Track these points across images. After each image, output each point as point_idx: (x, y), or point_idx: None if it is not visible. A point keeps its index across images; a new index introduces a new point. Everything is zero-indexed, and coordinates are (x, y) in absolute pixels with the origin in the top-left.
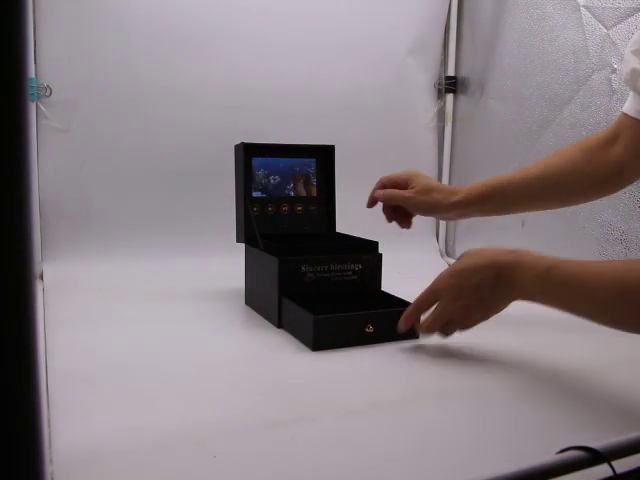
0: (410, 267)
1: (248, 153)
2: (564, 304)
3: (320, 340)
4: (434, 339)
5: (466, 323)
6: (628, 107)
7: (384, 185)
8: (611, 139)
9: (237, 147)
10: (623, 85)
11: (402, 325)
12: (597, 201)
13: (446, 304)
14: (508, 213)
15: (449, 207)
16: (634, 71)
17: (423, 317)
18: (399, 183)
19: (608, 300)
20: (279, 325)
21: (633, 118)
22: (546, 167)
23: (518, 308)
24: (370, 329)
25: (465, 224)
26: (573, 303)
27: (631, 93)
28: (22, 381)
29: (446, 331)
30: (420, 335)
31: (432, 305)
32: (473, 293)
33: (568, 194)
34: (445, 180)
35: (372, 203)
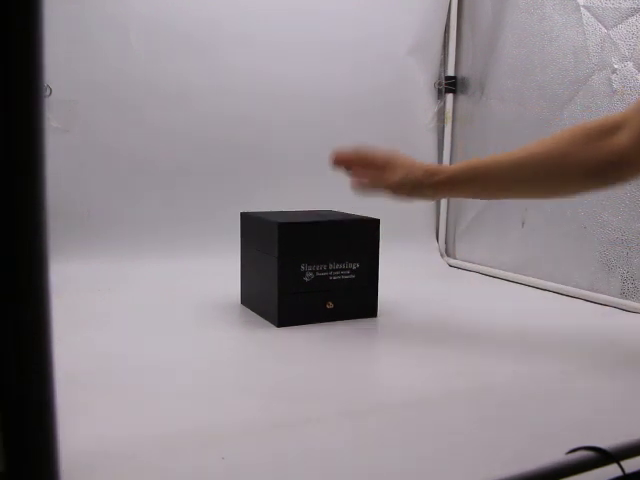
0: (410, 267)
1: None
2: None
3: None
4: (435, 338)
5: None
6: None
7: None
8: (617, 124)
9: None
10: (623, 85)
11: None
12: (597, 201)
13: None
14: (491, 198)
15: (430, 187)
16: None
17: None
18: (376, 163)
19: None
20: (279, 324)
21: None
22: (539, 148)
23: (518, 309)
24: (330, 305)
25: (465, 224)
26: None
27: None
28: (34, 381)
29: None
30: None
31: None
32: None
33: (560, 182)
34: None
35: (339, 162)
